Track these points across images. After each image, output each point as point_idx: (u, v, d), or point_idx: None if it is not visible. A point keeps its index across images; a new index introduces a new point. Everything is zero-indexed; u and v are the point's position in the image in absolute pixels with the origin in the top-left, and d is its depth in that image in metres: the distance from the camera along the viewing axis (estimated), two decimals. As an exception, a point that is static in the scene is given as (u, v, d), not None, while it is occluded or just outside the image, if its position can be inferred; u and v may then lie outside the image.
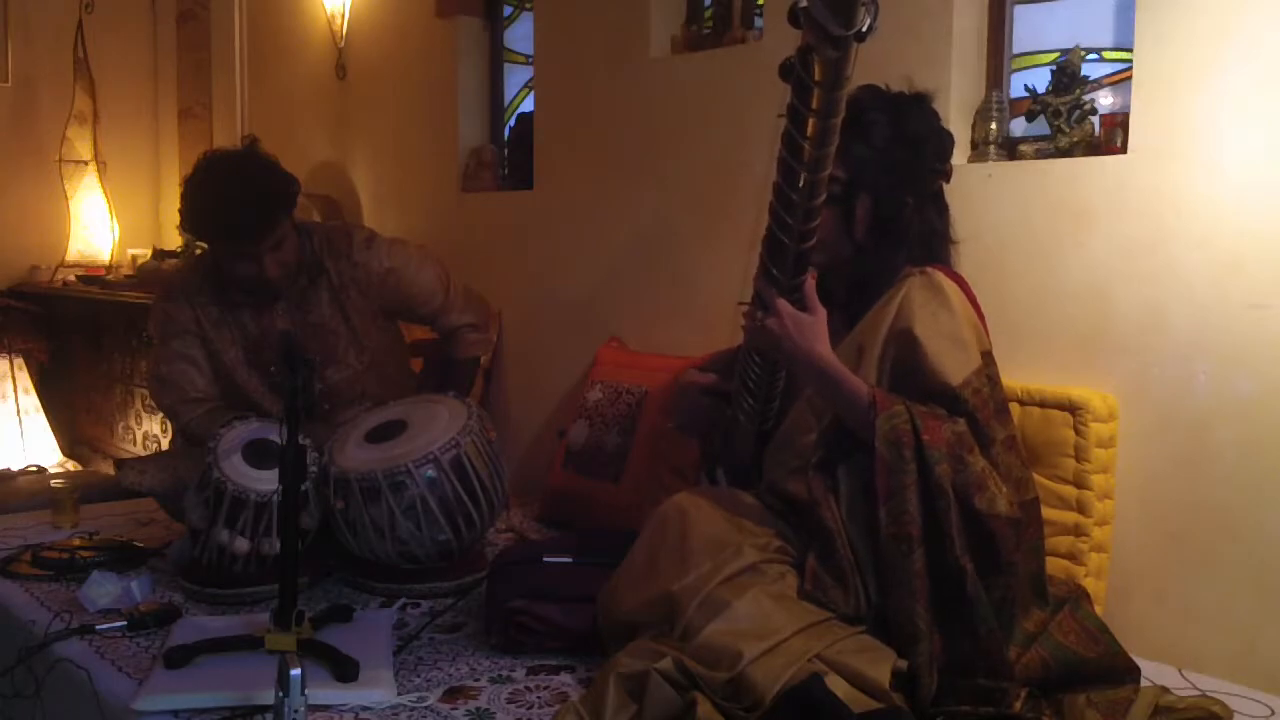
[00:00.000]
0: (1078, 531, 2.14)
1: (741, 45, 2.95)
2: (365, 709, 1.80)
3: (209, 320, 2.68)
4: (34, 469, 4.54)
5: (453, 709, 1.80)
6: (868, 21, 1.36)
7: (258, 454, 2.36)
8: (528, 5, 3.78)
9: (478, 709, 1.81)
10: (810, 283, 1.78)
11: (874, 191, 1.86)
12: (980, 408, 1.76)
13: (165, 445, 4.46)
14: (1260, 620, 2.02)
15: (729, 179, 2.85)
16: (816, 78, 1.46)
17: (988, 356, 1.83)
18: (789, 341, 1.78)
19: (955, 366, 1.77)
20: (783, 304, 1.77)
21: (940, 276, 1.86)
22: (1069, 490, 2.15)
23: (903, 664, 1.66)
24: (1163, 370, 2.13)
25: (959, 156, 2.34)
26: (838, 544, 1.75)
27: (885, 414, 1.72)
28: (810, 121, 1.53)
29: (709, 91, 2.94)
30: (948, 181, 1.95)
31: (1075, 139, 2.32)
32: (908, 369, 1.80)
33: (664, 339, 3.07)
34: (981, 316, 1.90)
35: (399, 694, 1.85)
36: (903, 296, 1.84)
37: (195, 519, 2.34)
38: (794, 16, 1.40)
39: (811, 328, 1.78)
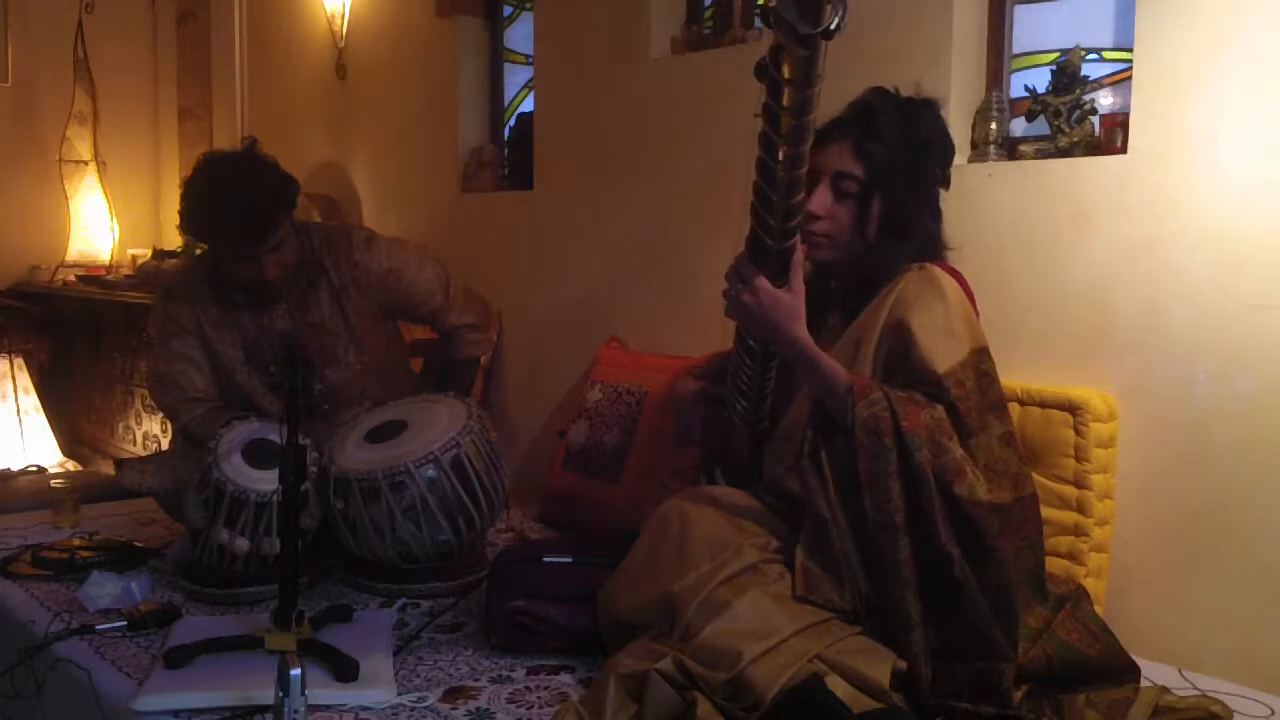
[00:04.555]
0: (1078, 531, 2.14)
1: (741, 45, 2.94)
2: (365, 709, 1.80)
3: (209, 320, 2.68)
4: (34, 469, 4.53)
5: (453, 709, 1.80)
6: (835, 20, 1.37)
7: (258, 454, 2.36)
8: (528, 5, 3.78)
9: (478, 709, 1.81)
10: (799, 255, 1.78)
11: (886, 190, 1.87)
12: (963, 399, 1.75)
13: (165, 445, 4.46)
14: (1260, 620, 2.02)
15: (729, 179, 2.84)
16: (787, 76, 1.48)
17: (982, 352, 1.83)
18: (764, 317, 1.78)
19: (942, 355, 1.77)
20: (760, 280, 1.77)
21: (937, 270, 1.87)
22: (1069, 490, 2.15)
23: (902, 664, 1.66)
24: (1163, 370, 2.13)
25: (959, 156, 2.34)
26: (831, 535, 1.75)
27: (864, 401, 1.72)
28: (784, 120, 1.54)
29: (709, 91, 2.94)
30: (947, 188, 1.96)
31: (1075, 139, 2.32)
32: (899, 357, 1.80)
33: (664, 339, 3.07)
34: (977, 312, 1.91)
35: (399, 694, 1.85)
36: (899, 290, 1.85)
37: (195, 519, 2.34)
38: (764, 16, 1.42)
39: (789, 307, 1.77)
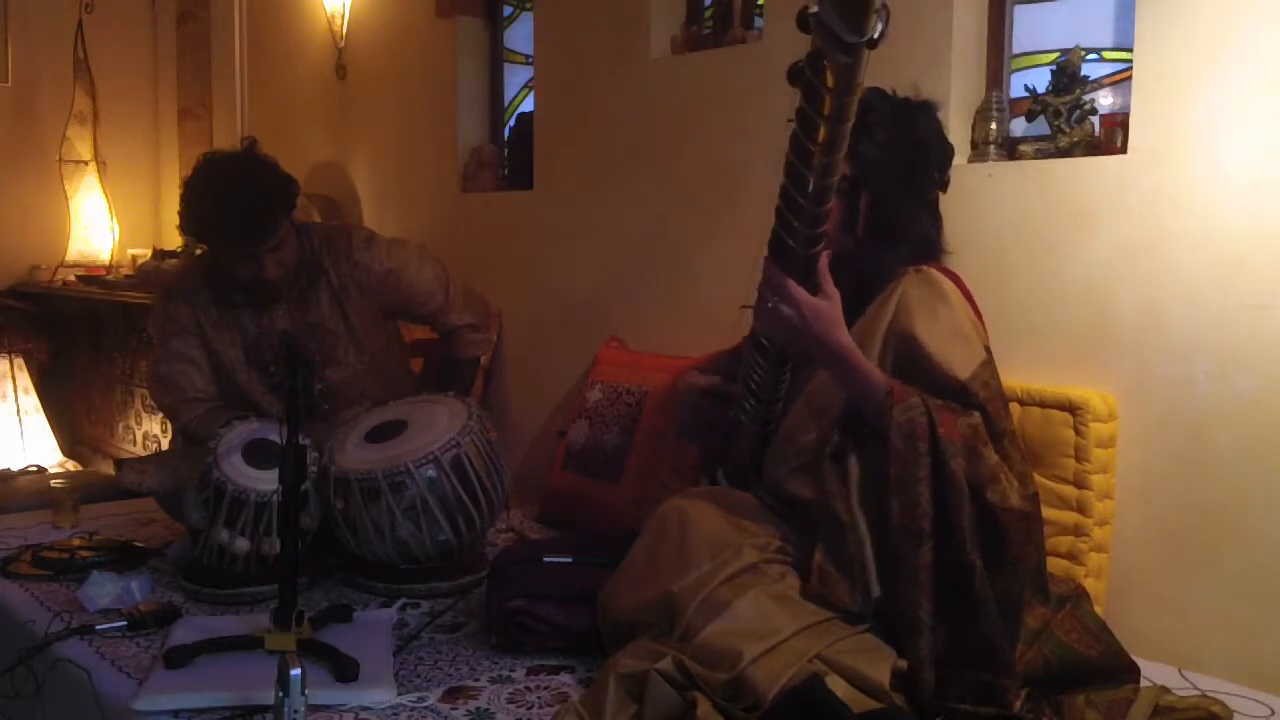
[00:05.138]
0: (1078, 531, 2.13)
1: (741, 45, 2.95)
2: (365, 709, 1.80)
3: (209, 321, 2.68)
4: (34, 469, 4.54)
5: (453, 709, 1.80)
6: (879, 28, 1.36)
7: (258, 454, 2.36)
8: (528, 5, 3.78)
9: (478, 709, 1.81)
10: (824, 261, 1.74)
11: (875, 190, 1.86)
12: (990, 400, 1.75)
13: (165, 445, 4.47)
14: (1260, 620, 2.02)
15: (729, 179, 2.85)
16: (829, 84, 1.45)
17: (988, 351, 1.84)
18: (806, 329, 1.73)
19: (961, 360, 1.77)
20: (797, 290, 1.72)
21: (936, 274, 1.86)
22: (1069, 490, 2.15)
23: (903, 664, 1.66)
24: (1163, 370, 2.13)
25: (959, 156, 2.34)
26: (848, 537, 1.73)
27: (902, 405, 1.70)
28: (821, 127, 1.52)
29: (709, 91, 2.94)
30: (944, 192, 1.96)
31: (1075, 139, 2.32)
32: (910, 367, 1.79)
33: (664, 339, 3.07)
34: (978, 313, 1.90)
35: (399, 694, 1.85)
36: (899, 295, 1.84)
37: (195, 519, 2.34)
38: (803, 22, 1.40)
39: (828, 313, 1.74)
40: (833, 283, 1.75)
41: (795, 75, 1.50)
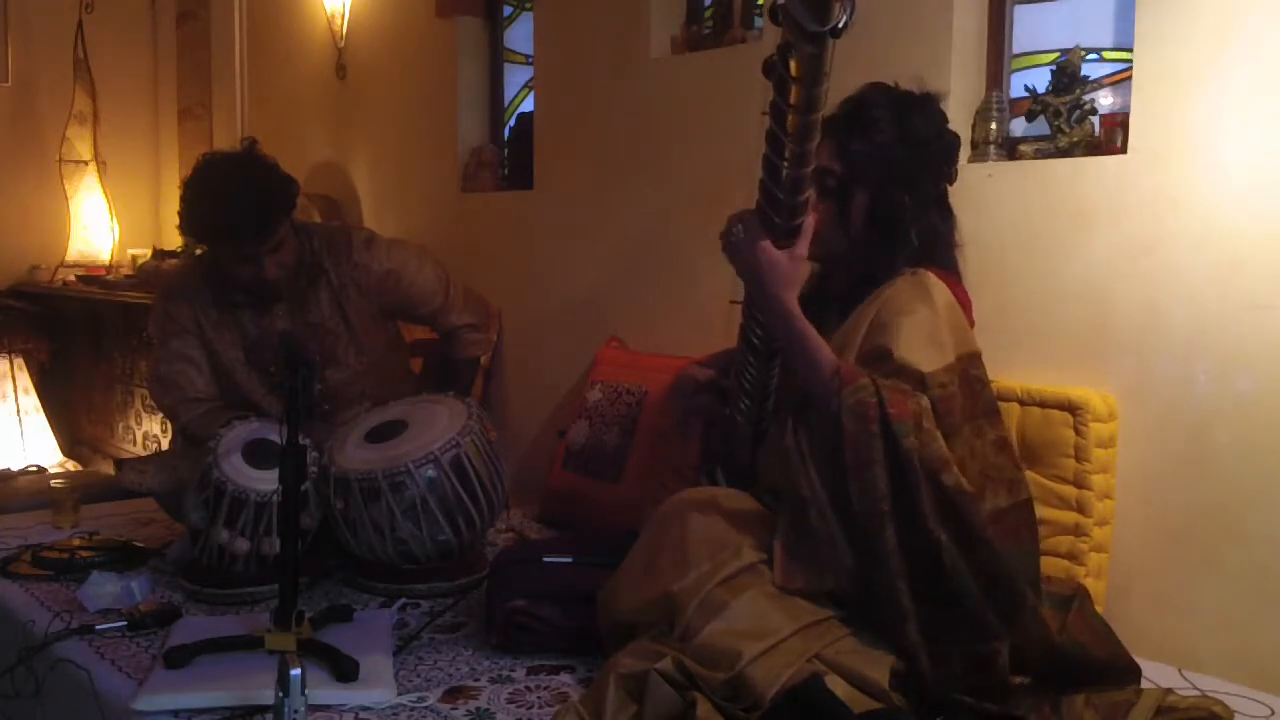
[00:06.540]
0: (1078, 531, 2.13)
1: (741, 45, 2.95)
2: (365, 709, 1.80)
3: (209, 321, 2.68)
4: (34, 469, 4.54)
5: (453, 709, 1.81)
6: (843, 18, 1.38)
7: (258, 454, 2.36)
8: (528, 5, 3.78)
9: (478, 709, 1.81)
10: (809, 222, 1.75)
11: (871, 188, 1.85)
12: (944, 400, 1.73)
13: (165, 445, 4.46)
14: (1260, 620, 2.02)
15: (729, 179, 2.85)
16: (795, 74, 1.48)
17: (971, 358, 1.82)
18: (758, 273, 1.75)
19: (925, 358, 1.76)
20: (765, 244, 1.75)
21: (930, 277, 1.84)
22: (1069, 490, 2.15)
23: (901, 665, 1.66)
24: (1163, 370, 2.13)
25: (959, 157, 2.33)
26: (810, 514, 1.72)
27: (851, 387, 1.70)
28: (790, 117, 1.54)
29: (709, 91, 2.94)
30: (951, 184, 1.95)
31: (1075, 139, 2.32)
32: (874, 354, 1.78)
33: (664, 339, 3.07)
34: (971, 321, 1.89)
35: (399, 694, 1.85)
36: (888, 294, 1.83)
37: (195, 519, 2.34)
38: (773, 14, 1.42)
39: (786, 271, 1.75)
40: (808, 250, 1.76)
41: (768, 69, 1.52)
